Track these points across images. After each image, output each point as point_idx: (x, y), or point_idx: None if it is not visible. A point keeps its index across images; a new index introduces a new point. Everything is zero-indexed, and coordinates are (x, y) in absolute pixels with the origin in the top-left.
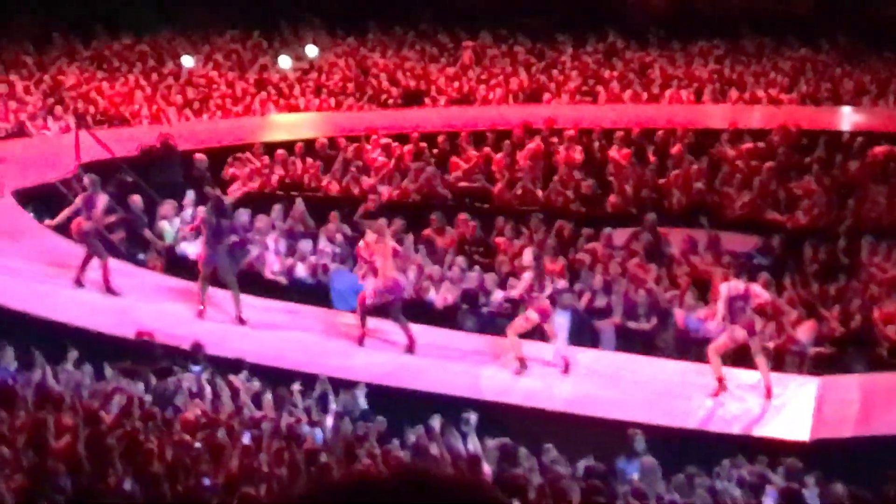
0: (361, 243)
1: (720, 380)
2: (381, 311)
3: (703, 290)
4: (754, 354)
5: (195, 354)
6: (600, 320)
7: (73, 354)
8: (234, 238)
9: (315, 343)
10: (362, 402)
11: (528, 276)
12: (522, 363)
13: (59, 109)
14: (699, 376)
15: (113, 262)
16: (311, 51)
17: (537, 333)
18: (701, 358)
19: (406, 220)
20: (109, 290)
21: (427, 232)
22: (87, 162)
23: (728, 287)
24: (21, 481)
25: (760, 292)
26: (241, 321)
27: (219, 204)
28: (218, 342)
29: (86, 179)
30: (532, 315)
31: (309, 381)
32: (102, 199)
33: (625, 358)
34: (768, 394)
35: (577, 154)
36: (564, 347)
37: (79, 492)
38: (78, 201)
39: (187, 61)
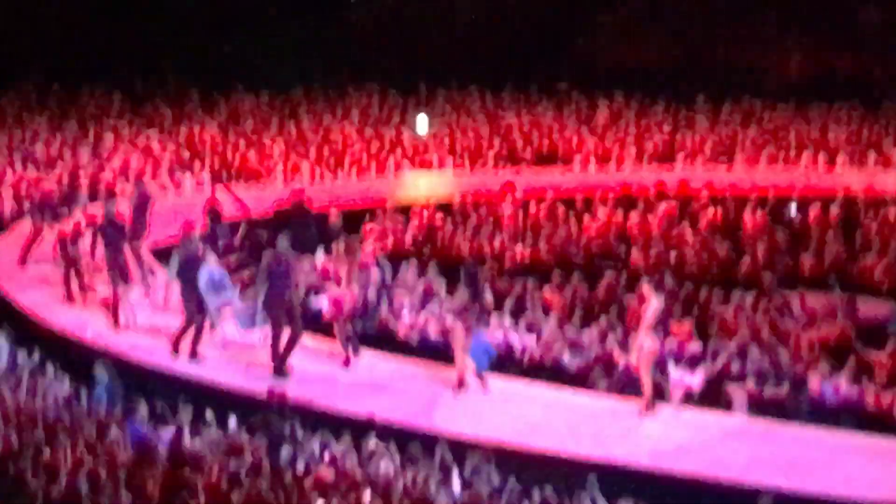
0: (332, 256)
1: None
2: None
3: (838, 356)
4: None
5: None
6: (732, 385)
7: (203, 411)
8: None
9: (442, 402)
10: (490, 464)
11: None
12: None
13: (195, 165)
14: (832, 444)
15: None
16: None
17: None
18: (836, 425)
19: (538, 279)
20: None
21: (545, 291)
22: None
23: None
24: None
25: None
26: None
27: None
28: (347, 400)
29: None
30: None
31: (433, 441)
32: None
33: (756, 423)
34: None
35: (712, 217)
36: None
37: None
38: None
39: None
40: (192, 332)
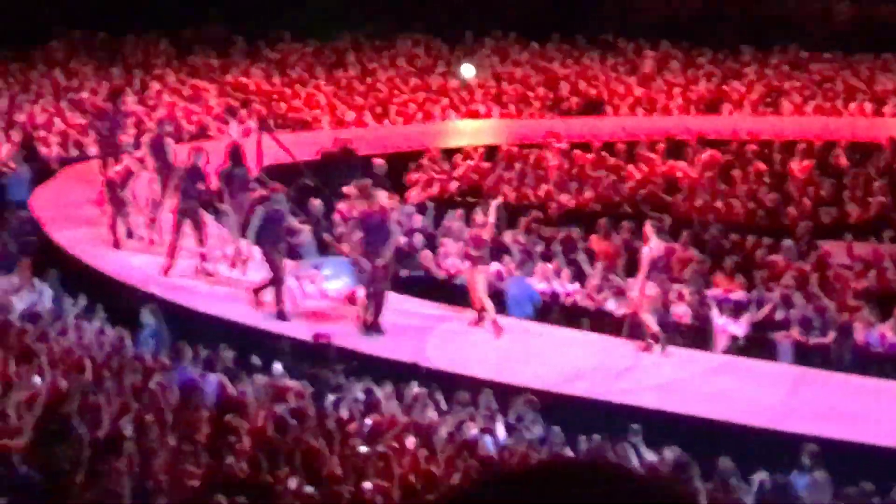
0: (344, 203)
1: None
2: None
3: (883, 305)
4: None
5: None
6: (777, 333)
7: (249, 356)
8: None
9: (488, 349)
10: (535, 411)
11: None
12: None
13: (241, 113)
14: (878, 393)
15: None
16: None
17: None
18: (882, 374)
19: (584, 228)
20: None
21: (592, 239)
22: (268, 165)
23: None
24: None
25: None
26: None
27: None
28: (392, 347)
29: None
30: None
31: (479, 387)
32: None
33: (800, 371)
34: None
35: (758, 165)
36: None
37: (255, 490)
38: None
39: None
40: (274, 289)
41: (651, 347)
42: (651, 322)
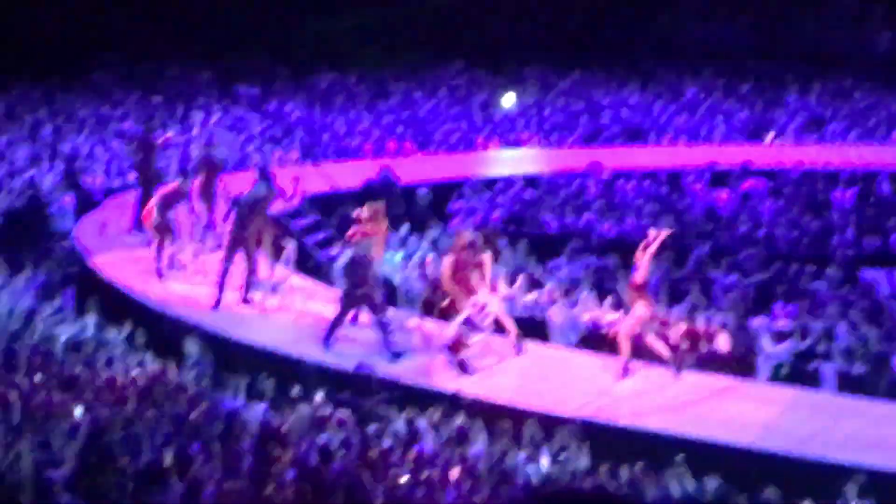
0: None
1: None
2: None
3: None
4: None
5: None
6: (821, 363)
7: (291, 386)
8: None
9: (528, 378)
10: (578, 441)
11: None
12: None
13: (283, 142)
14: None
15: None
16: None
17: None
18: None
19: (625, 257)
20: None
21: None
22: (310, 195)
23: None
24: None
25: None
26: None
27: None
28: (433, 377)
29: None
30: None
31: (521, 417)
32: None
33: (845, 399)
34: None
35: (801, 194)
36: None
37: None
38: None
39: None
40: (331, 324)
41: (628, 372)
42: (626, 345)
